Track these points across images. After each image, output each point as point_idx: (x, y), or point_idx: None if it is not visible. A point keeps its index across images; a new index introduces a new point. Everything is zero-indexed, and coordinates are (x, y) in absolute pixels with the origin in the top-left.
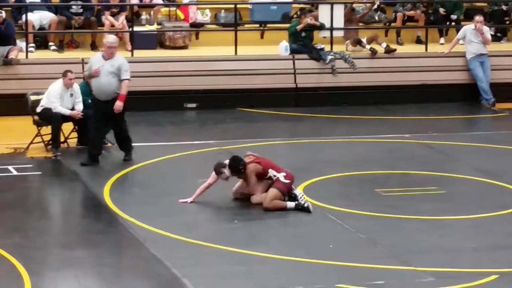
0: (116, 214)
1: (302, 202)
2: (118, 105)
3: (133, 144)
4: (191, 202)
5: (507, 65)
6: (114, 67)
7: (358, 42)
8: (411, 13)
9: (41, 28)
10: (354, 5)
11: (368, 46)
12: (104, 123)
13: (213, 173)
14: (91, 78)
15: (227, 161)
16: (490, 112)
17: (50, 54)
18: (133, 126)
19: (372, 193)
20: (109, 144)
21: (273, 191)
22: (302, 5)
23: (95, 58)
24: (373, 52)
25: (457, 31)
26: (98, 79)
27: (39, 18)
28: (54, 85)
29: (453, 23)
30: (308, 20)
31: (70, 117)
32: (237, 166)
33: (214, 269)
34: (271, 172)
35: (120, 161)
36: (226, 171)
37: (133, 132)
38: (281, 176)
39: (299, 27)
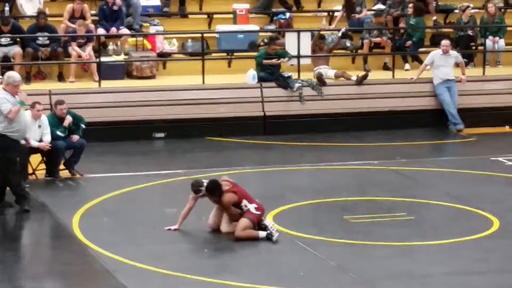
0: (85, 244)
1: (273, 232)
2: None
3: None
4: (176, 229)
5: (473, 90)
6: None
7: (319, 79)
8: (378, 39)
9: (8, 60)
10: (322, 33)
11: (354, 77)
12: None
13: (191, 195)
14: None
15: (205, 181)
16: (458, 138)
17: None
18: (102, 157)
19: (341, 220)
20: (78, 175)
21: (244, 221)
22: (269, 33)
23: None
24: (362, 78)
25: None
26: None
27: (7, 50)
28: None
29: (419, 50)
30: (275, 61)
31: (38, 149)
32: (214, 191)
33: None
34: (244, 202)
35: (88, 192)
36: (203, 190)
37: (101, 162)
38: (252, 207)
39: (265, 62)
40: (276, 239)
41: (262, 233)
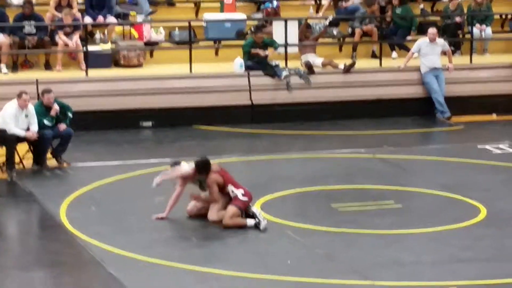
0: (73, 234)
1: (261, 220)
2: None
3: None
4: (163, 217)
5: (461, 78)
6: None
7: (308, 67)
8: (368, 27)
9: None
10: (309, 21)
11: (341, 65)
12: None
13: (179, 181)
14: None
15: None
16: (445, 126)
17: (1, 76)
18: (89, 146)
19: (329, 208)
20: (65, 164)
21: (232, 209)
22: (256, 22)
23: None
24: (349, 67)
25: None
26: None
27: None
28: (8, 106)
29: (408, 38)
30: (260, 52)
31: (25, 138)
32: (202, 168)
33: None
34: (230, 188)
35: (76, 181)
36: (184, 166)
37: (88, 151)
38: (239, 193)
39: (253, 52)
40: (264, 228)
41: (250, 221)
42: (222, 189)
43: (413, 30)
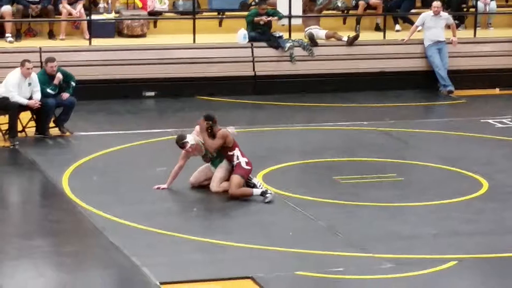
0: (75, 203)
1: (268, 192)
2: None
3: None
4: (164, 188)
5: (464, 52)
6: None
7: (311, 39)
8: (373, 1)
9: None
10: None
11: (345, 38)
12: None
13: (182, 153)
14: None
15: (188, 135)
16: (448, 99)
17: (6, 44)
18: (91, 115)
19: (331, 180)
20: (67, 133)
21: (236, 178)
22: None
23: None
24: (353, 39)
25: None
26: None
27: None
28: (11, 74)
29: (412, 10)
30: (264, 18)
31: (28, 106)
32: (211, 116)
33: (173, 258)
34: (236, 152)
35: (78, 150)
36: (190, 139)
37: (91, 120)
38: (243, 161)
39: (256, 20)
40: (269, 200)
41: (257, 191)
42: (229, 150)
43: None
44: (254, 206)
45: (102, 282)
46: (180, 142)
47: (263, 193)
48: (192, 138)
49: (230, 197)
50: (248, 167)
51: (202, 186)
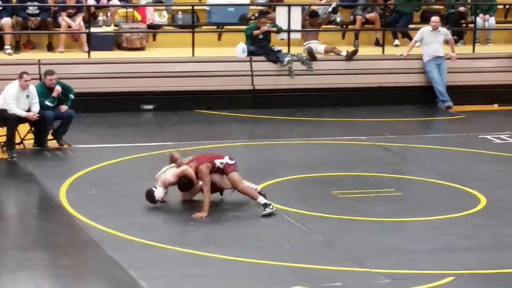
0: (73, 215)
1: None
2: None
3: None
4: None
5: (463, 68)
6: None
7: (310, 53)
8: (371, 15)
9: None
10: (312, 7)
11: (343, 52)
12: None
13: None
14: None
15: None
16: (447, 115)
17: (5, 55)
18: (90, 127)
19: (329, 195)
20: (66, 146)
21: (234, 175)
22: (259, 7)
23: None
24: (352, 54)
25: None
26: None
27: None
28: (10, 87)
29: (409, 26)
30: (266, 27)
31: (26, 118)
32: (185, 185)
33: (170, 271)
34: (218, 162)
35: (76, 162)
36: (158, 195)
37: (89, 133)
38: (226, 159)
39: (255, 33)
40: (267, 214)
41: (262, 199)
42: (214, 168)
43: (417, 11)
44: (250, 219)
45: None
46: (151, 202)
47: (266, 205)
48: (160, 192)
49: (240, 192)
50: (233, 161)
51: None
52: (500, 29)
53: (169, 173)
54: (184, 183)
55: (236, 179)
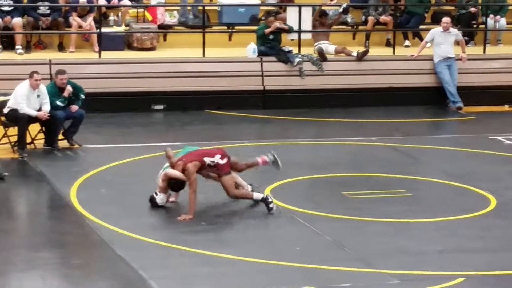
0: (83, 215)
1: (270, 200)
2: None
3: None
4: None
5: (474, 69)
6: None
7: (320, 54)
8: (384, 18)
9: (8, 29)
10: (323, 8)
11: (354, 53)
12: None
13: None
14: None
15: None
16: (457, 116)
17: (16, 55)
18: (100, 127)
19: (339, 195)
20: (76, 146)
21: (226, 180)
22: (270, 8)
23: None
24: (362, 54)
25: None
26: None
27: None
28: (20, 86)
29: (420, 26)
30: (277, 24)
31: (37, 118)
32: (174, 186)
33: (180, 271)
34: (207, 160)
35: (86, 162)
36: (159, 201)
37: (100, 133)
38: (217, 159)
39: (267, 31)
40: (272, 211)
41: (257, 195)
42: (203, 166)
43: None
44: (260, 220)
45: None
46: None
47: (264, 200)
48: (162, 198)
49: (230, 197)
50: (225, 160)
51: (208, 199)
52: (511, 29)
53: (160, 177)
54: (173, 183)
55: (227, 184)
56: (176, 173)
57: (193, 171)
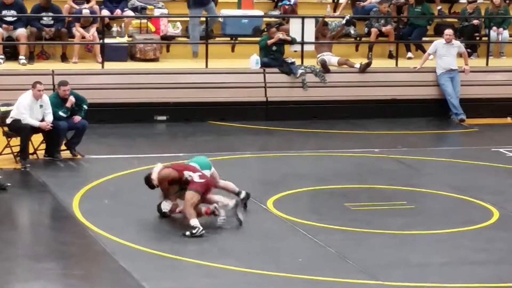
0: (85, 226)
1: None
2: None
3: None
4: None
5: (476, 81)
6: None
7: (323, 65)
8: (387, 29)
9: (12, 39)
10: (326, 20)
11: (357, 65)
12: None
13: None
14: None
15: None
16: (460, 128)
17: (20, 66)
18: (103, 138)
19: (342, 207)
20: (79, 156)
21: (189, 194)
22: (273, 19)
23: None
24: (365, 66)
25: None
26: None
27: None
28: (23, 97)
29: (423, 38)
30: (280, 35)
31: (40, 129)
32: (148, 183)
33: (182, 282)
34: (187, 174)
35: (89, 173)
36: (165, 207)
37: (103, 144)
38: (195, 176)
39: (270, 42)
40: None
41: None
42: (181, 178)
43: (429, 24)
44: (263, 231)
45: None
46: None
47: (193, 228)
48: (166, 204)
49: (183, 213)
50: (202, 180)
51: (213, 212)
52: None
53: None
54: (145, 178)
55: (186, 197)
56: (154, 173)
57: (163, 178)
